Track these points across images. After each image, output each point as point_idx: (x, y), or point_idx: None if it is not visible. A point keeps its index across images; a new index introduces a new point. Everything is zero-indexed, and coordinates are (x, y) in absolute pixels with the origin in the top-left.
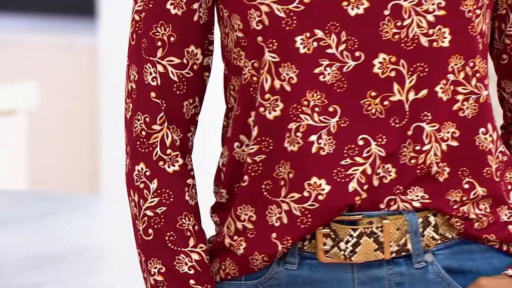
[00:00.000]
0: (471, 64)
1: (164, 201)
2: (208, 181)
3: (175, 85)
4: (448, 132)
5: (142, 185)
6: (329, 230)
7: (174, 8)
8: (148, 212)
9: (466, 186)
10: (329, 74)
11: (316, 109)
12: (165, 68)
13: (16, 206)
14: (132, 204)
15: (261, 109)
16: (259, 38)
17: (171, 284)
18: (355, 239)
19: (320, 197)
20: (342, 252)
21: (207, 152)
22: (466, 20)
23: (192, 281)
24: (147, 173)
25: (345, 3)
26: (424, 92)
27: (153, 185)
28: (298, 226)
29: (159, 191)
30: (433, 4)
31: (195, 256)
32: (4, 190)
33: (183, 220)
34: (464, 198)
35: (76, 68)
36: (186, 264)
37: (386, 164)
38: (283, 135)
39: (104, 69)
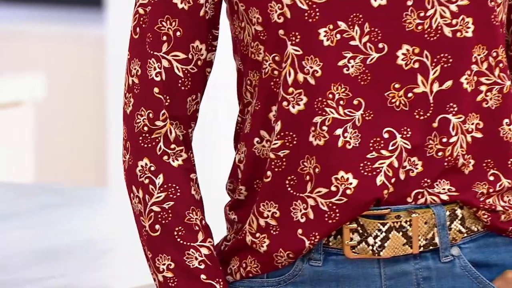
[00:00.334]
0: (494, 54)
1: (171, 195)
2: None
3: (180, 81)
4: (472, 124)
5: (147, 181)
6: (356, 225)
7: (181, 3)
8: (155, 208)
9: (492, 178)
10: (352, 66)
11: (341, 102)
12: (170, 63)
13: (21, 199)
14: (135, 201)
15: (284, 103)
16: (281, 31)
17: (182, 280)
18: (384, 234)
19: (348, 192)
20: (370, 247)
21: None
22: (489, 10)
23: (203, 276)
24: (152, 168)
25: None
26: (448, 83)
27: (159, 180)
28: (325, 222)
29: (165, 186)
30: None
31: (204, 251)
32: (10, 182)
33: (190, 214)
34: (491, 190)
35: (84, 60)
36: (196, 259)
37: (412, 157)
38: (308, 129)
39: (111, 61)
